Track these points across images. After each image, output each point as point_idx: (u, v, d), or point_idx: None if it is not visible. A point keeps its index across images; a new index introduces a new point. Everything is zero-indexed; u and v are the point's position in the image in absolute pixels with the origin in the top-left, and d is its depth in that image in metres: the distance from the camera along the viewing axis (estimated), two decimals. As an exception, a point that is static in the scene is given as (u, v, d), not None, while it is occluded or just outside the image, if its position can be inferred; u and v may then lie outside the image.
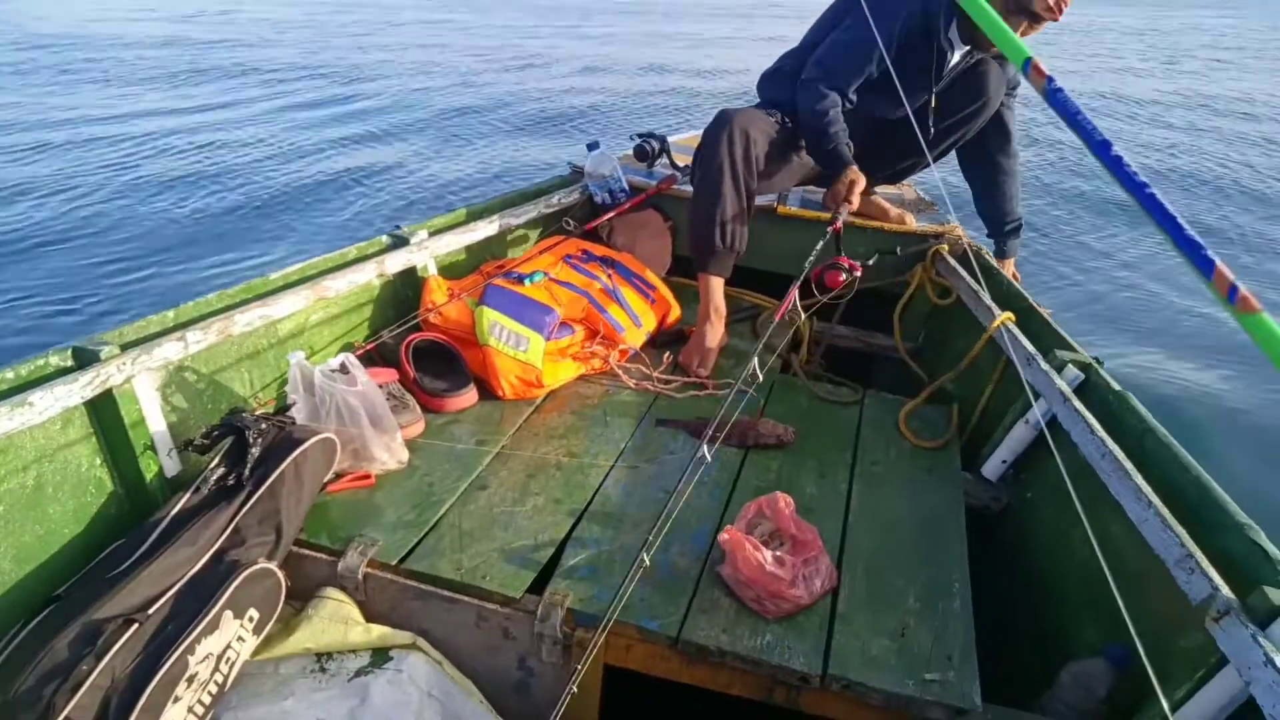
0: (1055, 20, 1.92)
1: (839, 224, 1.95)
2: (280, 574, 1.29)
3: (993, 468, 1.71)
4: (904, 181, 2.76)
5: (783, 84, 2.24)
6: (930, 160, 1.95)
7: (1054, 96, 0.66)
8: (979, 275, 2.09)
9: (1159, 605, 1.20)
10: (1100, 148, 0.60)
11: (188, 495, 1.33)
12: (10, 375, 1.27)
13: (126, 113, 8.08)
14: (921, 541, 1.47)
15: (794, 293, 1.60)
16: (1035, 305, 1.92)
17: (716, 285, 2.12)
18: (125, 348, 1.38)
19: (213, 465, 1.37)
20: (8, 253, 4.26)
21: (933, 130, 2.20)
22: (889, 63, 1.83)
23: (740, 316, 2.35)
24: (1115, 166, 0.58)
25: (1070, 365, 1.63)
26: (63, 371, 1.32)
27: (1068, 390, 1.54)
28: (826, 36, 2.16)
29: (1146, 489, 1.26)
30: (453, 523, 1.43)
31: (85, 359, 1.34)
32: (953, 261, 2.19)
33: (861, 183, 2.08)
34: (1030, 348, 1.71)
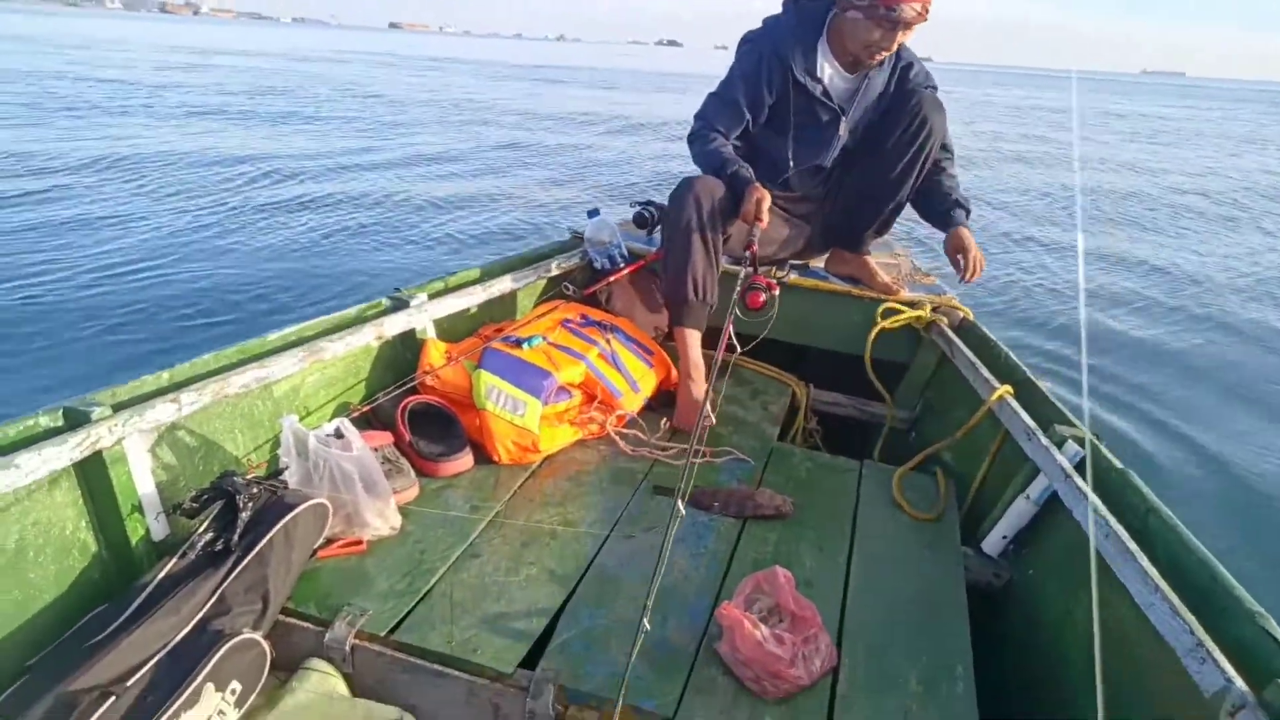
0: (924, 21, 2.01)
1: (754, 245, 2.01)
2: (265, 644, 1.26)
3: (993, 543, 1.68)
4: (898, 251, 2.79)
5: (744, 155, 2.29)
6: (900, 197, 2.10)
7: None
8: (976, 346, 2.09)
9: (1169, 695, 1.16)
10: None
11: (174, 560, 1.30)
12: None
13: (133, 164, 8.20)
14: (923, 619, 1.44)
15: (729, 329, 1.77)
16: (1033, 378, 1.92)
17: (694, 339, 2.13)
18: (118, 408, 1.36)
19: (201, 530, 1.34)
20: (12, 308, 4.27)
21: (877, 167, 2.27)
22: (767, 104, 2.15)
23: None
24: None
25: (1070, 440, 1.62)
26: (53, 432, 1.30)
27: (1068, 466, 1.52)
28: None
29: (1153, 572, 1.23)
30: (444, 592, 1.40)
31: (76, 419, 1.32)
32: (950, 332, 2.19)
33: (766, 199, 2.07)
34: (1030, 421, 1.69)
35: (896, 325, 2.25)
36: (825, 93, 2.17)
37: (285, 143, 10.23)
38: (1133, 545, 1.29)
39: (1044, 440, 1.60)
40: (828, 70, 2.16)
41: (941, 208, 2.30)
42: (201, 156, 8.82)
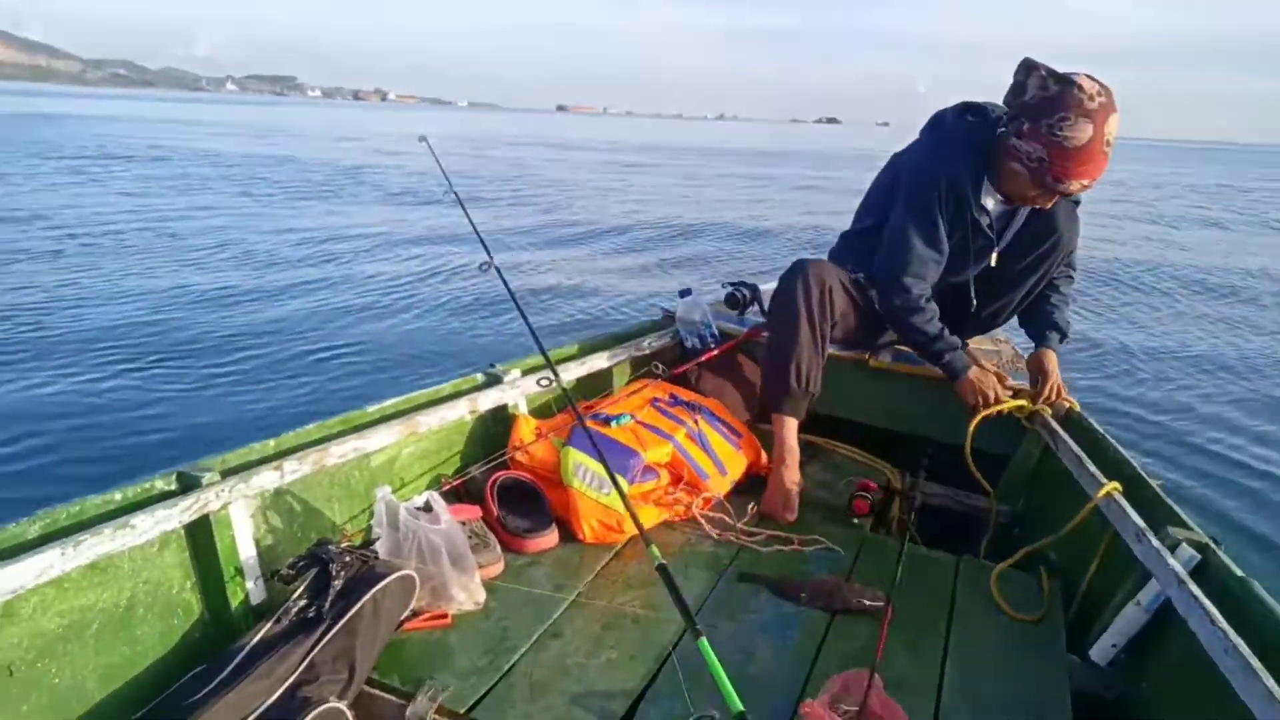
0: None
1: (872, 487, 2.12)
2: (349, 714, 1.27)
3: (1102, 651, 1.57)
4: (1000, 338, 2.72)
5: (859, 246, 2.29)
6: (1014, 304, 1.91)
7: None
8: (1082, 439, 2.00)
9: None
10: None
11: (269, 624, 1.35)
12: (118, 497, 1.33)
13: (231, 235, 8.77)
14: None
15: None
16: (1144, 475, 1.82)
17: (791, 427, 2.10)
18: (226, 474, 1.44)
19: (296, 595, 1.38)
20: (134, 370, 4.59)
21: (1011, 279, 2.22)
22: (947, 243, 2.01)
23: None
24: None
25: (1185, 544, 1.52)
26: (166, 495, 1.37)
27: (1183, 572, 1.42)
28: (883, 199, 2.23)
29: (1279, 692, 1.13)
30: (524, 671, 1.40)
31: (188, 484, 1.39)
32: (1054, 424, 2.10)
33: (988, 386, 2.12)
34: (1140, 522, 1.60)
35: (998, 414, 2.18)
36: (990, 225, 2.10)
37: (421, 224, 10.78)
38: (1256, 663, 1.19)
39: (1154, 542, 1.51)
40: (990, 202, 2.09)
41: (1040, 325, 2.27)
42: (354, 235, 9.42)
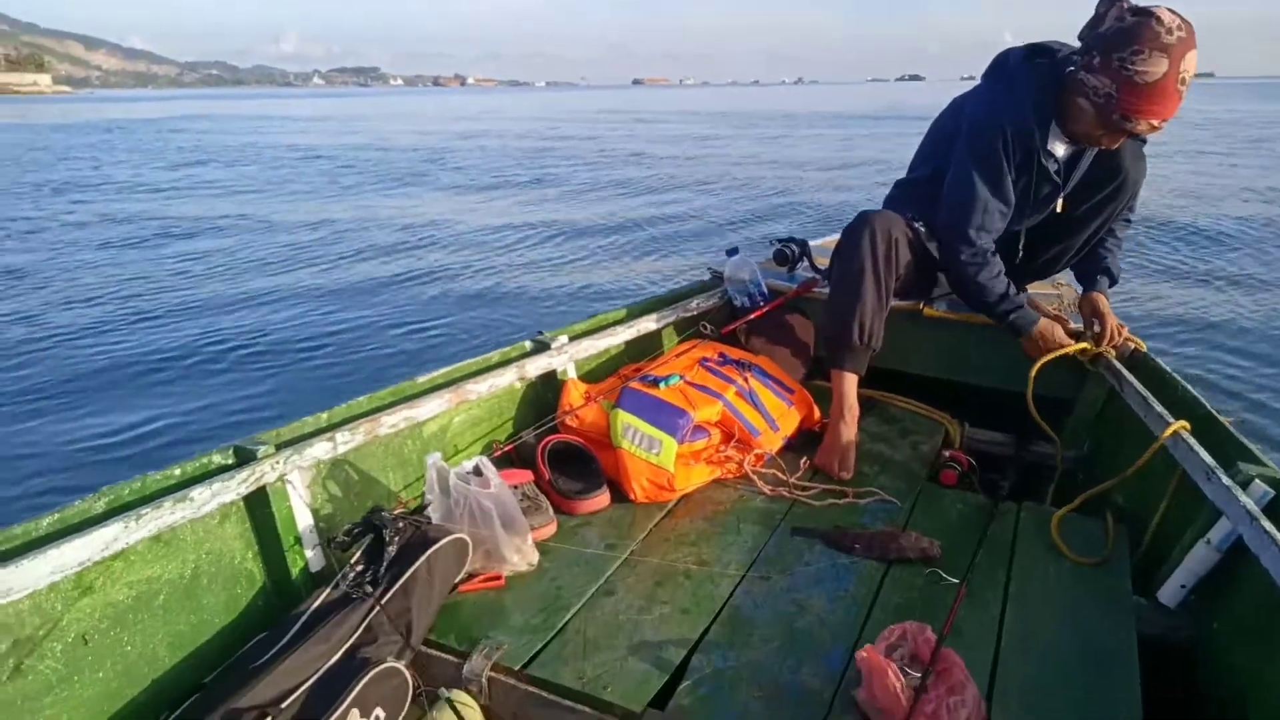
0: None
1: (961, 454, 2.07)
2: (408, 673, 1.31)
3: (1170, 593, 1.51)
4: (1060, 281, 2.62)
5: (916, 194, 2.22)
6: (1075, 250, 1.86)
7: None
8: (1149, 380, 1.92)
9: None
10: None
11: (328, 590, 1.38)
12: (178, 472, 1.38)
13: (277, 220, 8.98)
14: (1086, 675, 1.31)
15: None
16: (1214, 413, 1.73)
17: (850, 383, 2.06)
18: (280, 447, 1.47)
19: (353, 562, 1.42)
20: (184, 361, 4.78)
21: (1074, 223, 2.14)
22: (1014, 193, 1.94)
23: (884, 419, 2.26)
24: None
25: (1258, 481, 1.45)
26: (223, 469, 1.42)
27: (1255, 509, 1.35)
28: (943, 147, 2.14)
29: None
30: (578, 629, 1.41)
31: (244, 457, 1.43)
32: (1119, 365, 2.02)
33: (1053, 340, 2.06)
34: (1209, 460, 1.52)
35: (1060, 359, 2.10)
36: (1058, 170, 2.01)
37: (487, 205, 10.92)
38: None
39: (1225, 479, 1.44)
40: (1059, 146, 1.99)
41: (1091, 269, 2.18)
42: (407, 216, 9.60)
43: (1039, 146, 1.94)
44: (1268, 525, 1.29)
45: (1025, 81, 1.92)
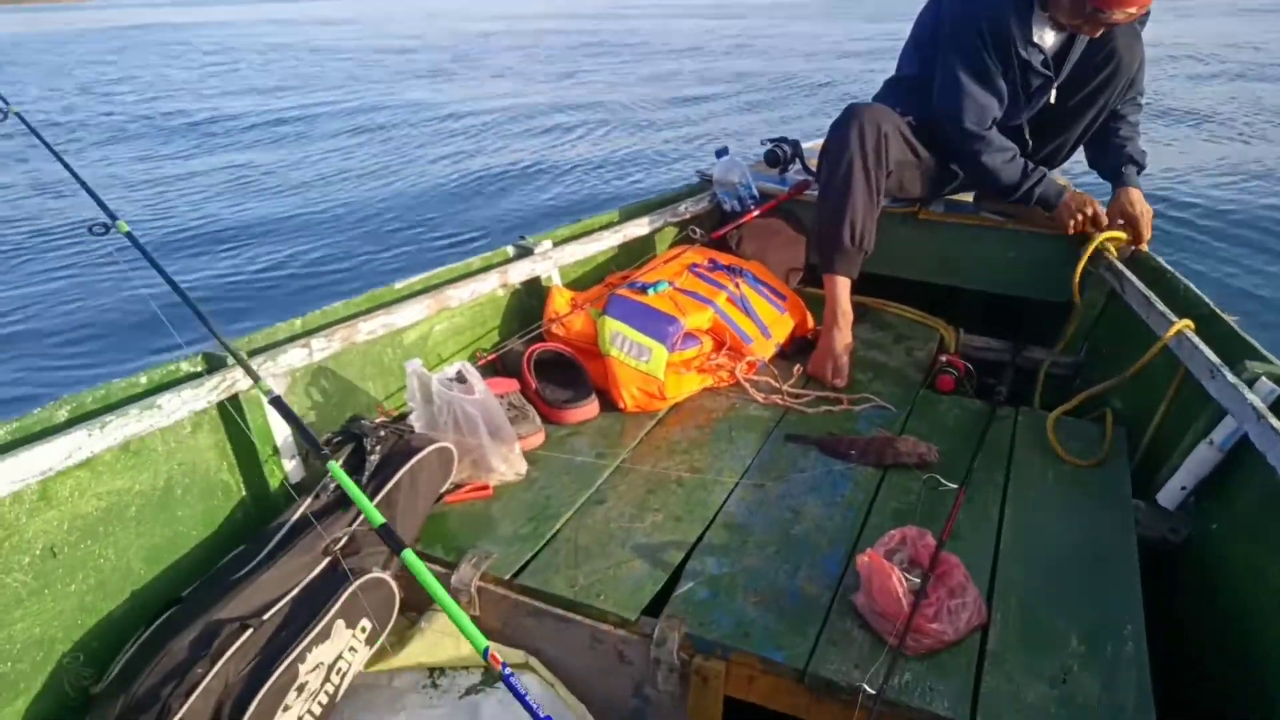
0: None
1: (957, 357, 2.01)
2: (394, 584, 1.27)
3: (1170, 495, 1.49)
4: (1059, 179, 2.54)
5: (905, 92, 2.14)
6: (1072, 142, 1.86)
7: None
8: (1151, 280, 1.86)
9: None
10: None
11: (309, 501, 1.34)
12: (144, 380, 1.31)
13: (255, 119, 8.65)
14: (1086, 576, 1.29)
15: None
16: (1218, 311, 1.69)
17: (844, 287, 1.99)
18: (253, 354, 1.40)
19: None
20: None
21: (1068, 114, 2.07)
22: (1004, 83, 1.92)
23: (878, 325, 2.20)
24: None
25: (1264, 378, 1.41)
26: (192, 376, 1.34)
27: (1262, 406, 1.32)
28: (926, 43, 2.09)
29: None
30: (569, 538, 1.38)
31: (215, 364, 1.36)
32: (1120, 265, 1.96)
33: (1087, 202, 2.03)
34: (1214, 358, 1.48)
35: (1059, 260, 2.04)
36: (1045, 62, 1.95)
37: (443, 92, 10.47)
38: None
39: (1230, 377, 1.40)
40: (1047, 36, 1.93)
41: (1114, 162, 2.09)
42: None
43: (1019, 39, 1.89)
44: (1275, 422, 1.26)
45: None
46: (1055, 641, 1.17)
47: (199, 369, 1.37)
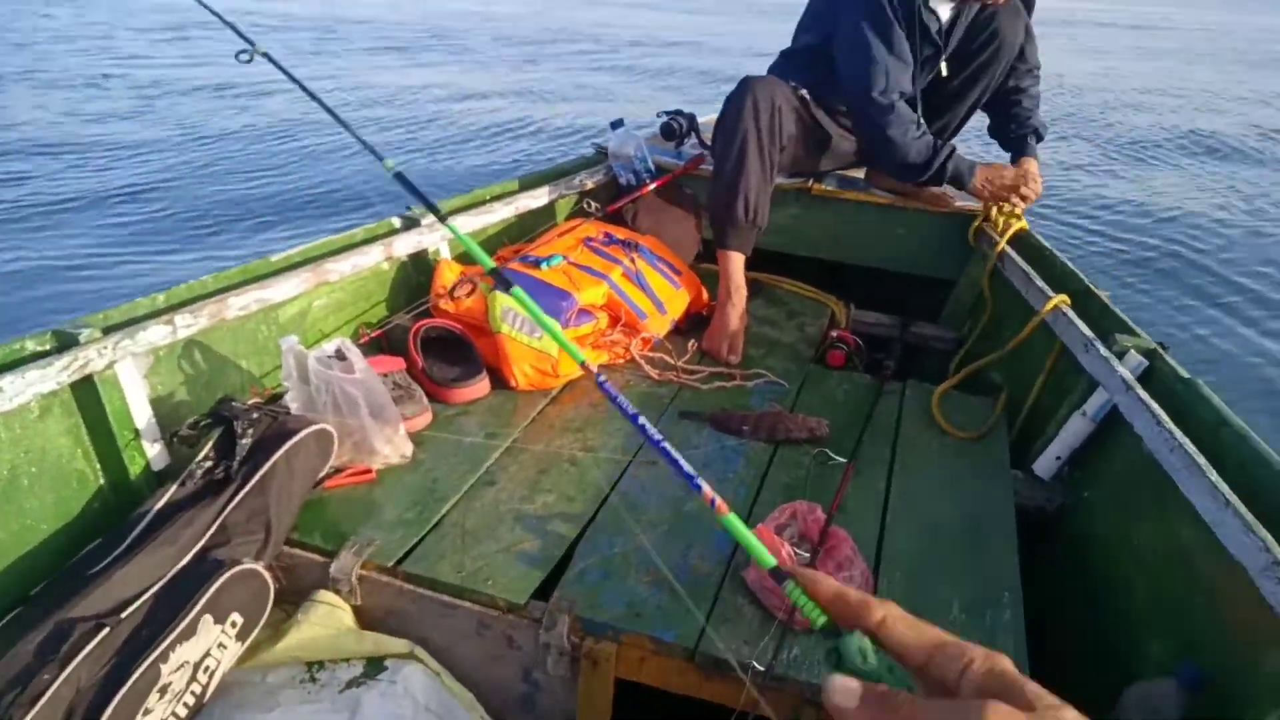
0: None
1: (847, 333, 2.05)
2: (267, 575, 1.20)
3: (1045, 465, 1.56)
4: None
5: (801, 63, 2.15)
6: (959, 119, 1.90)
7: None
8: (1031, 257, 1.94)
9: (1240, 619, 1.06)
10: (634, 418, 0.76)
11: (173, 489, 1.25)
12: None
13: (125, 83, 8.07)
14: (967, 546, 1.34)
15: None
16: (1093, 287, 1.77)
17: (737, 262, 2.00)
18: (109, 331, 1.30)
19: (201, 458, 1.28)
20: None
21: (953, 92, 2.12)
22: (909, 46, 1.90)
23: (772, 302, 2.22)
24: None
25: (1133, 351, 1.48)
26: (39, 355, 1.23)
27: (1130, 378, 1.39)
28: (824, 13, 2.10)
29: (1223, 487, 1.11)
30: (456, 522, 1.33)
31: (65, 342, 1.25)
32: (1002, 242, 2.03)
33: (1007, 175, 2.05)
34: (1088, 332, 1.56)
35: (946, 237, 2.10)
36: (940, 30, 1.97)
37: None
38: (1201, 459, 1.17)
39: (1103, 350, 1.47)
40: (943, 7, 1.96)
41: (1015, 133, 2.16)
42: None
43: (921, 3, 1.92)
44: (1142, 393, 1.32)
45: None
46: (938, 610, 1.20)
47: (47, 347, 1.26)
